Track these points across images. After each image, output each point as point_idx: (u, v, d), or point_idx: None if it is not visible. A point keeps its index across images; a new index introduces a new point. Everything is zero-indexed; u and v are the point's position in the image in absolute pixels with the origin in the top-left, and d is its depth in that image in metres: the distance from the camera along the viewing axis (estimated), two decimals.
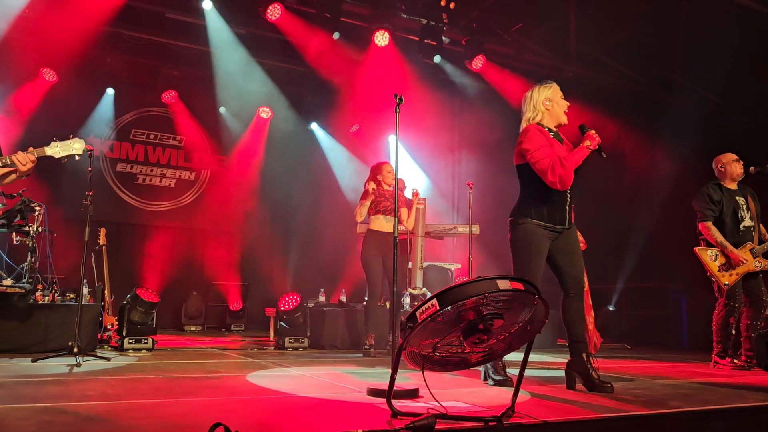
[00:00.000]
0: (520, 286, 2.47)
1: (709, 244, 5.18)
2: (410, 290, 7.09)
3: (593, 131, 3.70)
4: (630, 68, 8.98)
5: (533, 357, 5.60)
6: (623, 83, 9.14)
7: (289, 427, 2.45)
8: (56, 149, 3.64)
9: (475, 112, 9.61)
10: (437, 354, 2.76)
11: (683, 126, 7.63)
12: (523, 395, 3.28)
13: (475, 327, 2.58)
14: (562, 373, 3.79)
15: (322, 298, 7.11)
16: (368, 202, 5.84)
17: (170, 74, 9.62)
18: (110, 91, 9.30)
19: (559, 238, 3.77)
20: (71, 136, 3.91)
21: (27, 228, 6.23)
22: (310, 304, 6.80)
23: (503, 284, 2.45)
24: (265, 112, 10.27)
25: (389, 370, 2.75)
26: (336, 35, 8.29)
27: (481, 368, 3.83)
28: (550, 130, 3.77)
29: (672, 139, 7.90)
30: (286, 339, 6.12)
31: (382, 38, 8.31)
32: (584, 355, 3.62)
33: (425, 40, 8.70)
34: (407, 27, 8.66)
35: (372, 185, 5.91)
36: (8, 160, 3.52)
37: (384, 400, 2.74)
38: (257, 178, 10.27)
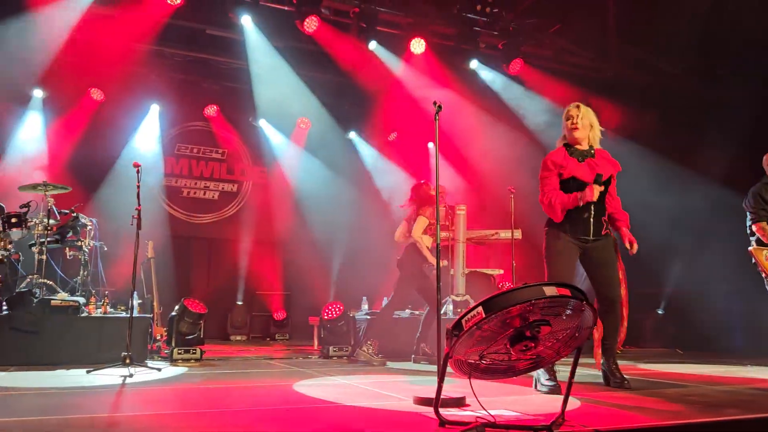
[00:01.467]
0: (567, 292, 2.44)
1: (763, 244, 5.04)
2: (452, 297, 7.06)
3: (594, 188, 3.83)
4: (672, 64, 8.78)
5: (582, 362, 5.51)
6: (666, 80, 8.93)
7: None
8: None
9: (513, 116, 9.52)
10: (484, 362, 2.74)
11: (730, 122, 7.41)
12: (573, 402, 3.22)
13: (522, 334, 2.55)
14: None
15: (365, 307, 7.14)
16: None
17: (211, 89, 9.83)
18: (155, 107, 9.56)
19: (588, 250, 3.99)
20: None
21: (79, 243, 6.46)
22: (353, 313, 6.83)
23: (550, 291, 2.42)
24: (303, 123, 10.39)
25: (434, 379, 2.75)
26: (372, 44, 8.35)
27: (533, 374, 3.79)
28: (570, 149, 4.06)
29: (719, 136, 7.67)
30: (330, 348, 6.16)
31: (418, 45, 8.32)
32: (610, 359, 4.00)
33: (461, 46, 8.68)
34: (443, 33, 8.64)
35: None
36: None
37: (431, 409, 2.73)
38: (298, 188, 10.39)
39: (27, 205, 6.16)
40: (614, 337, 4.00)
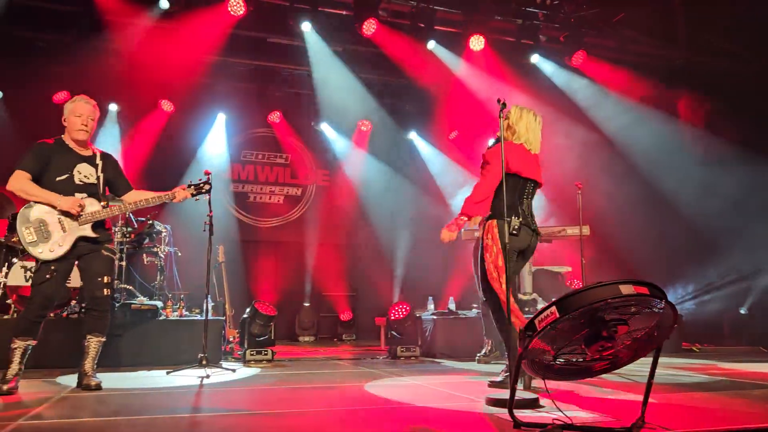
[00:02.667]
0: (644, 290, 2.37)
1: None
2: (520, 296, 6.94)
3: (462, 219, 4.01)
4: (746, 48, 8.35)
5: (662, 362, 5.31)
6: (739, 66, 8.51)
7: None
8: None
9: (577, 109, 9.29)
10: (558, 362, 2.70)
11: None
12: (651, 402, 3.12)
13: (598, 334, 2.49)
14: (690, 379, 3.57)
15: (431, 306, 7.13)
16: None
17: (274, 96, 10.04)
18: (221, 116, 9.85)
19: None
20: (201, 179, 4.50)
21: (155, 249, 6.75)
22: (420, 313, 6.83)
23: (626, 289, 2.35)
24: (364, 126, 10.47)
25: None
26: (431, 44, 8.34)
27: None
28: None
29: None
30: (398, 348, 6.18)
31: (477, 43, 8.25)
32: None
33: (522, 41, 8.55)
34: (502, 29, 8.54)
35: None
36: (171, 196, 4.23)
37: (505, 410, 2.71)
38: (360, 190, 10.48)
39: None
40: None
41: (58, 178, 3.88)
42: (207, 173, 5.32)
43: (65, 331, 5.20)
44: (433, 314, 6.72)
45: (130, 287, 6.25)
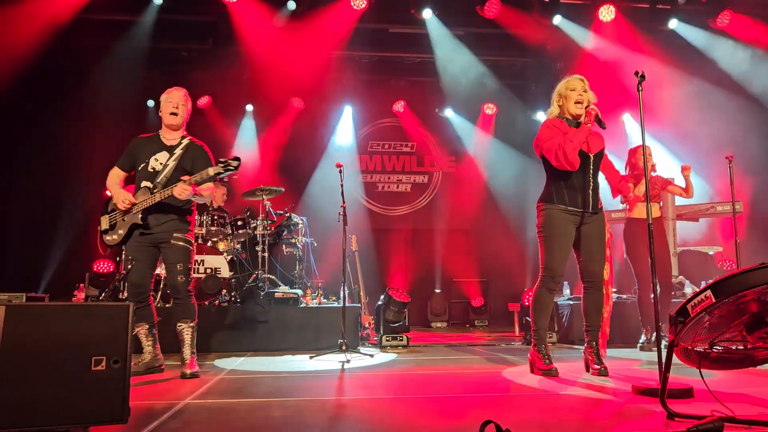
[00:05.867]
0: None
1: None
2: None
3: (591, 107, 3.86)
4: None
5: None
6: None
7: (564, 427, 2.42)
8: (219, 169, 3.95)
9: (724, 76, 8.48)
10: (715, 350, 2.51)
11: None
12: None
13: (762, 320, 2.29)
14: None
15: (566, 292, 6.90)
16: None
17: (398, 85, 10.16)
18: (348, 108, 10.15)
19: (582, 224, 3.92)
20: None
21: (293, 240, 7.11)
22: (556, 299, 6.64)
23: None
24: (489, 108, 10.30)
25: (650, 368, 2.57)
26: (557, 19, 8.02)
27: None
28: (568, 121, 3.97)
29: None
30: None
31: (607, 13, 7.81)
32: (594, 342, 3.90)
33: (657, 6, 7.96)
34: None
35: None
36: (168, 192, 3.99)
37: (654, 400, 2.57)
38: (487, 174, 10.34)
39: (249, 209, 6.92)
40: (596, 318, 3.94)
41: (140, 167, 4.15)
42: (338, 165, 5.53)
43: (217, 319, 5.67)
44: (569, 299, 6.51)
45: (273, 277, 6.64)
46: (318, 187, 9.40)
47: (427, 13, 8.02)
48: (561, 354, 5.20)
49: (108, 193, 4.22)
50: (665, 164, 7.96)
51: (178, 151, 4.15)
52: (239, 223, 6.76)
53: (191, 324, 4.10)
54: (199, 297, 5.99)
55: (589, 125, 3.82)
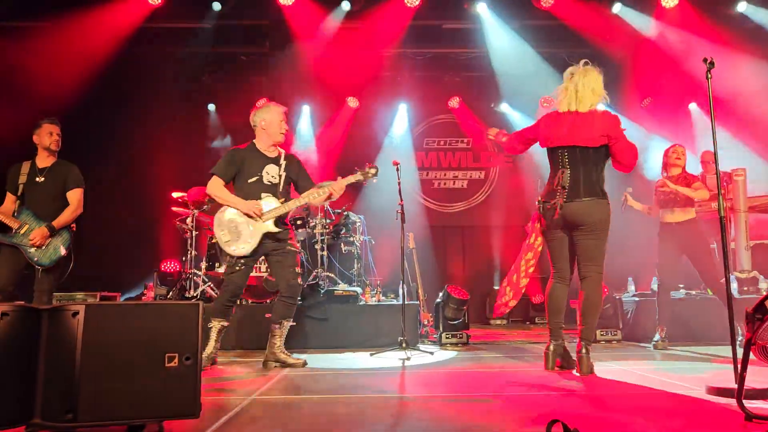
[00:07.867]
0: None
1: None
2: (737, 274, 6.25)
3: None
4: None
5: None
6: None
7: (632, 428, 2.36)
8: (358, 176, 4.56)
9: None
10: None
11: None
12: None
13: None
14: None
15: (631, 288, 6.70)
16: None
17: (453, 81, 10.09)
18: (403, 106, 10.15)
19: None
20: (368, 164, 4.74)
21: (351, 238, 7.17)
22: (619, 295, 6.46)
23: None
24: (547, 102, 10.09)
25: (725, 367, 2.47)
26: (617, 7, 7.79)
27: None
28: None
29: None
30: (598, 332, 5.91)
31: None
32: (584, 342, 3.84)
33: None
34: None
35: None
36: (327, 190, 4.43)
37: (730, 400, 2.47)
38: (545, 169, 10.10)
39: (307, 209, 7.02)
40: (590, 318, 3.89)
41: (250, 180, 4.34)
42: (395, 164, 5.55)
43: None
44: (634, 295, 6.32)
45: (332, 275, 6.72)
46: (375, 186, 9.42)
47: (482, 7, 7.94)
48: (628, 352, 5.06)
49: (224, 203, 4.33)
50: (730, 154, 7.63)
51: (282, 163, 4.47)
52: (298, 222, 6.87)
53: (292, 323, 4.48)
54: (261, 296, 6.13)
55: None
